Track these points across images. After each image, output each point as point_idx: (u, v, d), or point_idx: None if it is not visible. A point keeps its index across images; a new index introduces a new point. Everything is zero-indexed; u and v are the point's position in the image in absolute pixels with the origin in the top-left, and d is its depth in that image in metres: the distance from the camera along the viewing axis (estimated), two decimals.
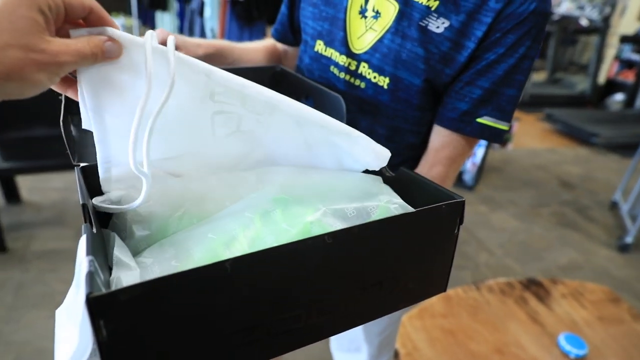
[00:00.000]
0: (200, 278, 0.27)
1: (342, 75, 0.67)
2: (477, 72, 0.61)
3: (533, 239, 2.45)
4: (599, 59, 4.89)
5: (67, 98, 0.41)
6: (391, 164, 0.71)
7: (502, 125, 0.63)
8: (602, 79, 5.07)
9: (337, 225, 0.37)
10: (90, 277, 0.26)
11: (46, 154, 2.01)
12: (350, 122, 0.66)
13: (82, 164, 0.46)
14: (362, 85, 0.66)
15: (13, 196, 2.27)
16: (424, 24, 0.60)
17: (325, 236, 0.31)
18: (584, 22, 4.80)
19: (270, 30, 0.89)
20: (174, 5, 3.70)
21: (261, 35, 3.11)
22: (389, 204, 0.44)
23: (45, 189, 2.47)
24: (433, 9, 0.59)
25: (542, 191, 3.05)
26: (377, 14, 0.63)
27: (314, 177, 0.47)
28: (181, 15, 3.68)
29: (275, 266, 0.30)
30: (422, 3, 0.59)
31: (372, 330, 0.97)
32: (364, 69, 0.65)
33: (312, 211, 0.38)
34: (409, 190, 0.47)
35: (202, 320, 0.28)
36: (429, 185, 0.43)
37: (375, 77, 0.64)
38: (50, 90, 0.36)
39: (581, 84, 5.19)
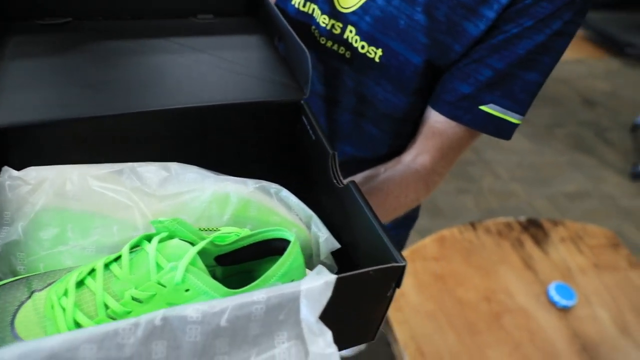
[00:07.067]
0: None
1: (322, 40, 0.54)
2: (491, 48, 0.47)
3: (543, 163, 2.37)
4: None
5: None
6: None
7: (512, 118, 0.50)
8: None
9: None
10: None
11: None
12: (336, 85, 0.55)
13: None
14: (348, 54, 0.53)
15: None
16: None
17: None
18: None
19: None
20: None
21: None
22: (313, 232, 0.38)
23: None
24: None
25: (561, 109, 2.89)
26: None
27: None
28: None
29: None
30: None
31: None
32: (351, 34, 0.52)
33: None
34: (350, 215, 0.37)
35: None
36: (374, 227, 0.34)
37: (363, 47, 0.51)
38: None
39: None
